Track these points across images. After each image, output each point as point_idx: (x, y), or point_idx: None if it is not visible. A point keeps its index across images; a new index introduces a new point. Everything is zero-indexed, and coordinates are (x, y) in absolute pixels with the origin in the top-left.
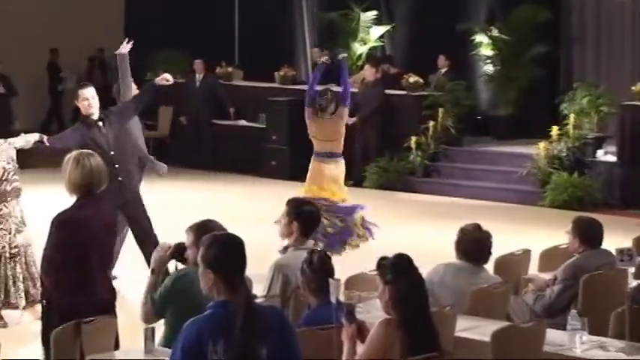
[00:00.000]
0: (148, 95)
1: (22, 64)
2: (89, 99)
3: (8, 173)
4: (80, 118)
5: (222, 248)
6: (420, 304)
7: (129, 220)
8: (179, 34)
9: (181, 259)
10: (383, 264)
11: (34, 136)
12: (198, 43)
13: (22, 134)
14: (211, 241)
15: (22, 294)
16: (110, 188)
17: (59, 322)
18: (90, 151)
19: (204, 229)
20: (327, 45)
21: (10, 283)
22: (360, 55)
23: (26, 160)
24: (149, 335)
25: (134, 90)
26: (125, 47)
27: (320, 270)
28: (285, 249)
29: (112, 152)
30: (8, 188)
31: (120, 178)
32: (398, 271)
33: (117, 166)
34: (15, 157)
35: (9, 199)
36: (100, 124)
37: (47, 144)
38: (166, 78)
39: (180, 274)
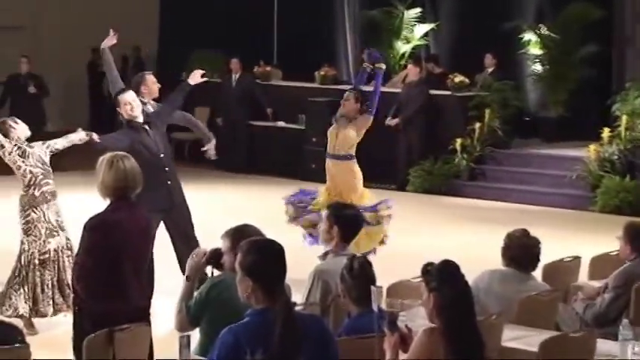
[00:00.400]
0: (182, 95)
1: (56, 64)
2: (130, 103)
3: (36, 178)
4: (125, 123)
5: (261, 255)
6: (466, 313)
7: (172, 225)
8: (216, 33)
9: (217, 265)
10: (428, 270)
11: (80, 135)
12: (235, 42)
13: (68, 135)
14: (250, 248)
15: (51, 301)
16: (159, 192)
17: (91, 330)
18: (124, 153)
19: (240, 234)
20: (370, 44)
21: (39, 290)
22: (404, 54)
23: (56, 163)
24: (184, 343)
25: (151, 84)
26: (108, 41)
27: (361, 277)
28: (325, 255)
29: (162, 155)
30: (36, 193)
31: (169, 182)
32: (443, 278)
33: (167, 169)
34: (47, 160)
35: (38, 204)
36: (147, 127)
37: (97, 141)
38: (197, 74)
39: (216, 281)
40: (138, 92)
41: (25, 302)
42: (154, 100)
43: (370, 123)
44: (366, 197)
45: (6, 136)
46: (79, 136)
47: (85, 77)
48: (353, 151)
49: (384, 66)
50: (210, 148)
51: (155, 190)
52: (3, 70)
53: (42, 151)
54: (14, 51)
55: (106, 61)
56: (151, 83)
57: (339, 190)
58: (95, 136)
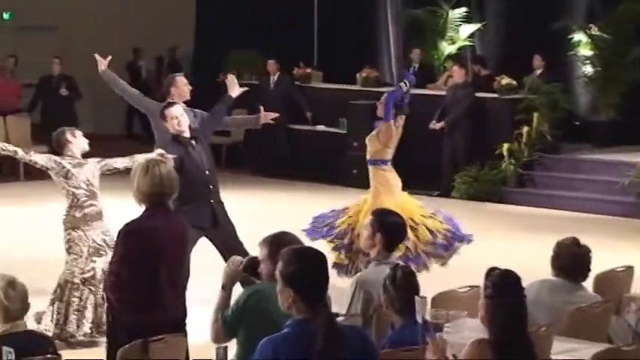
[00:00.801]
0: (224, 108)
1: (88, 65)
2: (178, 117)
3: (78, 199)
4: (171, 137)
5: (303, 265)
6: (519, 327)
7: (219, 243)
8: (254, 33)
9: (254, 273)
10: (490, 275)
11: (149, 155)
12: (274, 43)
13: (134, 155)
14: (291, 257)
15: (85, 322)
16: (201, 210)
17: (126, 340)
18: (160, 158)
19: (278, 241)
20: (413, 44)
21: (72, 309)
22: (448, 55)
23: None
24: (221, 355)
25: (182, 86)
26: (101, 65)
27: (404, 287)
28: (367, 263)
29: (207, 172)
30: (77, 215)
31: (212, 200)
32: (501, 288)
33: (211, 187)
34: (96, 180)
35: (79, 225)
36: (194, 142)
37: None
38: (235, 86)
39: (253, 290)
40: (168, 94)
41: (51, 320)
42: (185, 102)
43: (389, 129)
44: (411, 208)
45: (61, 148)
46: (146, 157)
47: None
48: (379, 157)
49: (405, 86)
50: (263, 115)
51: (197, 208)
52: (35, 72)
53: (94, 169)
54: (46, 52)
55: (109, 81)
56: (182, 85)
57: (369, 196)
58: (169, 156)
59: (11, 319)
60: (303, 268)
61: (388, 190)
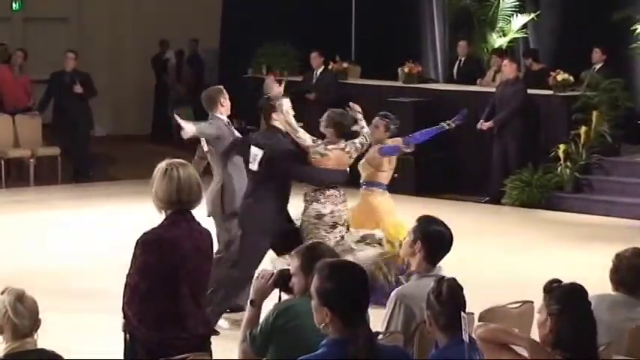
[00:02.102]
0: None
1: (103, 60)
2: (290, 111)
3: None
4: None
5: (341, 282)
6: (587, 346)
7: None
8: (285, 25)
9: (286, 288)
10: (552, 290)
11: None
12: (307, 35)
13: None
14: (329, 273)
15: None
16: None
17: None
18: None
19: (312, 253)
20: (461, 36)
21: None
22: (499, 48)
23: (104, 172)
24: None
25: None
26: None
27: (450, 302)
28: (408, 276)
29: None
30: None
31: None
32: (568, 303)
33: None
34: None
35: None
36: None
37: None
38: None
39: (283, 307)
40: (214, 106)
41: None
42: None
43: (377, 159)
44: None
45: None
46: None
47: (139, 74)
48: (372, 180)
49: (447, 126)
50: None
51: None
52: (45, 67)
53: None
54: (58, 45)
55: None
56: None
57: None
58: None
59: (20, 336)
60: (340, 285)
61: (372, 213)
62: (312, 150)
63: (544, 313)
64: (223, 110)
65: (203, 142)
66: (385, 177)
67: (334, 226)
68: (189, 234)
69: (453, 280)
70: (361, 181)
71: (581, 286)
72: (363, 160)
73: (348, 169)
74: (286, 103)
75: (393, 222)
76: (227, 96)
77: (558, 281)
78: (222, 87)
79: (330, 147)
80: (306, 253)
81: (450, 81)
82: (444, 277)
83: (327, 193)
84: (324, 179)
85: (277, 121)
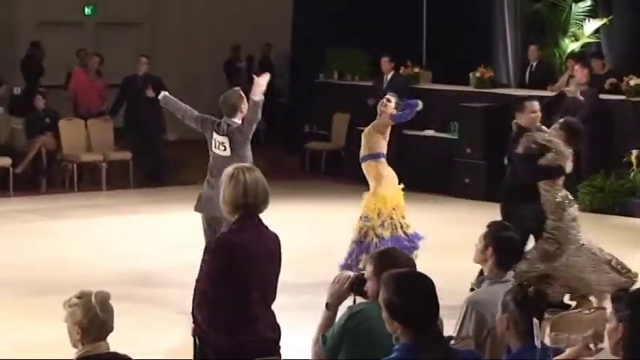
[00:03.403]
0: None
1: (175, 65)
2: (538, 112)
3: None
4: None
5: (407, 296)
6: None
7: None
8: (355, 31)
9: (361, 292)
10: (620, 296)
11: None
12: (378, 41)
13: None
14: (395, 287)
15: None
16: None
17: None
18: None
19: (385, 259)
20: (532, 41)
21: None
22: (576, 53)
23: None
24: None
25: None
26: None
27: (533, 307)
28: (479, 282)
29: None
30: None
31: None
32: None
33: None
34: None
35: None
36: None
37: None
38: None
39: (355, 310)
40: (235, 112)
41: None
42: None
43: (387, 125)
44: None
45: None
46: None
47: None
48: (375, 151)
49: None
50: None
51: None
52: (119, 72)
53: None
54: (129, 50)
55: (169, 105)
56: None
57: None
58: None
59: (97, 338)
60: (407, 300)
61: (384, 182)
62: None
63: (614, 321)
64: (241, 116)
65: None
66: (384, 145)
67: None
68: (258, 238)
69: (539, 289)
70: (366, 154)
71: None
72: (369, 128)
73: None
74: (537, 105)
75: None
76: (245, 100)
77: (625, 290)
78: (241, 92)
79: None
80: (380, 259)
81: (522, 86)
82: (525, 282)
83: None
84: None
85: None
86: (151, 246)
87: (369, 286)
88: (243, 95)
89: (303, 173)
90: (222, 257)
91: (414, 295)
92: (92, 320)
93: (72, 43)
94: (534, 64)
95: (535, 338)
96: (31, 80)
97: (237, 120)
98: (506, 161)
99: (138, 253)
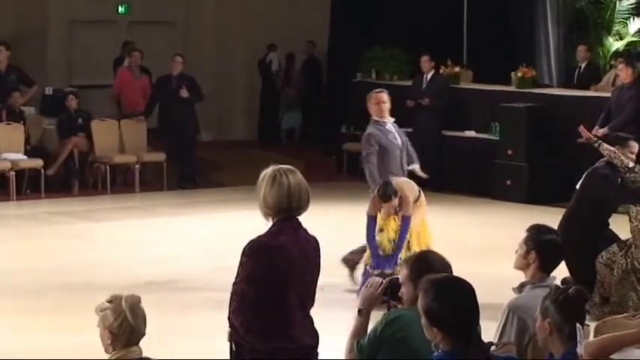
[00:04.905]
0: None
1: (210, 64)
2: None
3: None
4: None
5: (448, 302)
6: None
7: None
8: (393, 29)
9: (395, 297)
10: None
11: None
12: (416, 39)
13: None
14: (435, 294)
15: None
16: None
17: None
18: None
19: (421, 263)
20: (576, 39)
21: None
22: (616, 52)
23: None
24: None
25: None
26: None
27: (577, 310)
28: (520, 287)
29: None
30: None
31: None
32: None
33: None
34: None
35: None
36: None
37: None
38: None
39: (392, 317)
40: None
41: None
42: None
43: None
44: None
45: None
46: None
47: (246, 78)
48: None
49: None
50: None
51: None
52: (153, 72)
53: None
54: (163, 49)
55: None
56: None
57: None
58: None
59: (130, 343)
60: (448, 306)
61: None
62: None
63: None
64: None
65: None
66: None
67: None
68: (296, 241)
69: (580, 289)
70: None
71: None
72: None
73: None
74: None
75: None
76: None
77: None
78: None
79: None
80: (415, 263)
81: (567, 86)
82: (567, 285)
83: None
84: None
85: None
86: (186, 249)
87: (404, 290)
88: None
89: (340, 174)
90: (259, 260)
91: (454, 301)
92: (122, 325)
93: (104, 43)
94: (583, 65)
95: (578, 345)
96: None
97: None
98: None
99: (172, 256)
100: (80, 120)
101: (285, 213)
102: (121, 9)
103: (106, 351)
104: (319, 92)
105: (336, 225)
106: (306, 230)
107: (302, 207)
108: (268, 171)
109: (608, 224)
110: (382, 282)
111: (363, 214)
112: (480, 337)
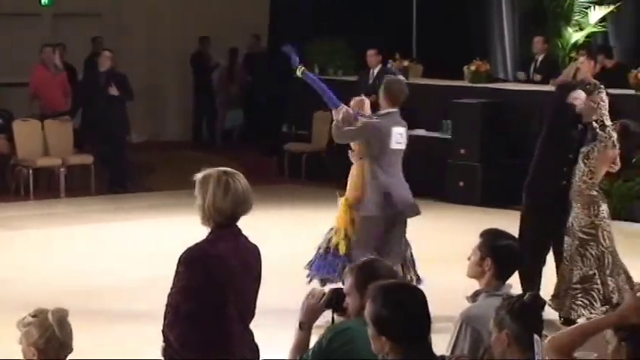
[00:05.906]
0: None
1: (140, 60)
2: None
3: None
4: None
5: (396, 309)
6: None
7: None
8: (336, 20)
9: (339, 308)
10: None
11: None
12: (363, 31)
13: None
14: (383, 300)
15: None
16: None
17: None
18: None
19: (367, 270)
20: (532, 31)
21: None
22: (575, 44)
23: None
24: None
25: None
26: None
27: (535, 318)
28: (474, 296)
29: None
30: None
31: None
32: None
33: None
34: None
35: None
36: None
37: None
38: None
39: (338, 329)
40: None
41: None
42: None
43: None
44: None
45: None
46: None
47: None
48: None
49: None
50: None
51: None
52: (78, 68)
53: None
54: (89, 43)
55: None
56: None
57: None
58: None
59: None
60: (397, 312)
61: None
62: None
63: (614, 341)
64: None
65: None
66: None
67: None
68: (235, 250)
69: (536, 295)
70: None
71: None
72: None
73: None
74: None
75: None
76: None
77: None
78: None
79: None
80: (361, 271)
81: (526, 82)
82: (523, 293)
83: None
84: None
85: None
86: (114, 258)
87: (350, 301)
88: None
89: (281, 177)
90: (196, 270)
91: (405, 307)
92: (49, 340)
93: (26, 37)
94: (540, 58)
95: (536, 355)
96: None
97: None
98: None
99: (99, 265)
100: (0, 120)
101: (230, 219)
102: (44, 1)
103: None
104: (262, 89)
105: (278, 231)
106: (246, 237)
107: (246, 213)
108: (212, 173)
109: None
110: (324, 293)
111: (308, 219)
112: (431, 349)
